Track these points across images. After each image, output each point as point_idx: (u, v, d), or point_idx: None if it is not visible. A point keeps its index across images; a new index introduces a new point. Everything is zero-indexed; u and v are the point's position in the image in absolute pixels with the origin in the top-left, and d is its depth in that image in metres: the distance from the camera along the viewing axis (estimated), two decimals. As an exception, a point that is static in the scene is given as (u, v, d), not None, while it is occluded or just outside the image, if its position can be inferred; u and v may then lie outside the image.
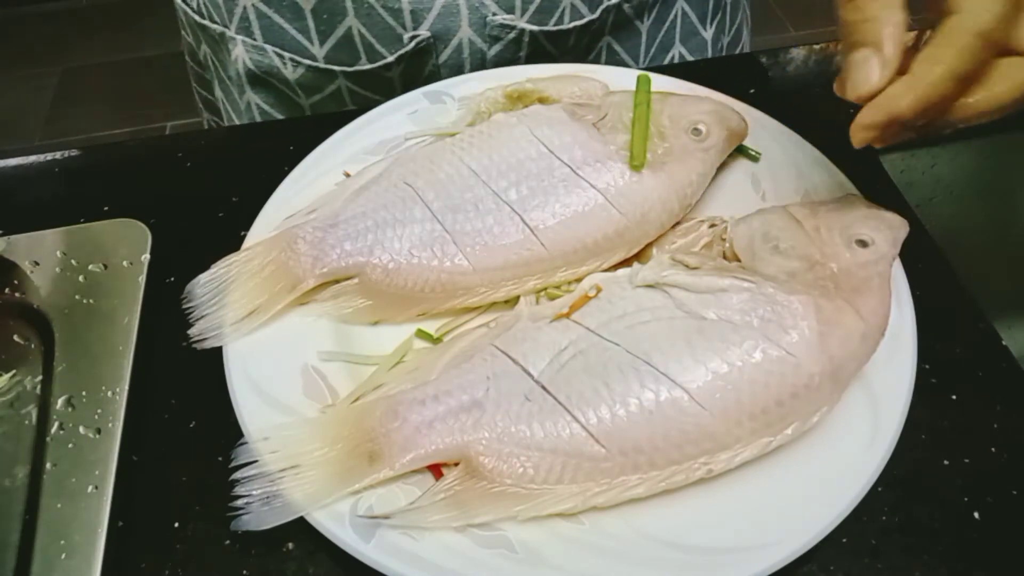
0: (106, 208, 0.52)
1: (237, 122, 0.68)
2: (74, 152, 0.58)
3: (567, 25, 0.59)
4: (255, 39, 0.59)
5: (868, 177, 0.51)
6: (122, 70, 2.07)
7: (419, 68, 0.60)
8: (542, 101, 0.51)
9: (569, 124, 0.47)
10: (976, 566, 0.38)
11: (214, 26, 0.61)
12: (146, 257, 0.47)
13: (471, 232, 0.44)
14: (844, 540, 0.38)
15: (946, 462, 0.41)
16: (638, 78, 0.49)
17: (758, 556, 0.35)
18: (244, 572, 0.38)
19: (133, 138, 0.58)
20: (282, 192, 0.48)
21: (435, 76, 0.56)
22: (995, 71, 0.34)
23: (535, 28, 0.58)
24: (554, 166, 0.45)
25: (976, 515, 0.39)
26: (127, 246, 0.48)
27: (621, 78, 0.52)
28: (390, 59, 0.58)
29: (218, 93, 0.70)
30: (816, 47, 0.61)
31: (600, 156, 0.46)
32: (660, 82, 0.50)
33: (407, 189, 0.45)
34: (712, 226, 0.46)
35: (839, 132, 0.44)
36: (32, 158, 0.57)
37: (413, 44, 0.57)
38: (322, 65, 0.59)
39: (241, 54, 0.60)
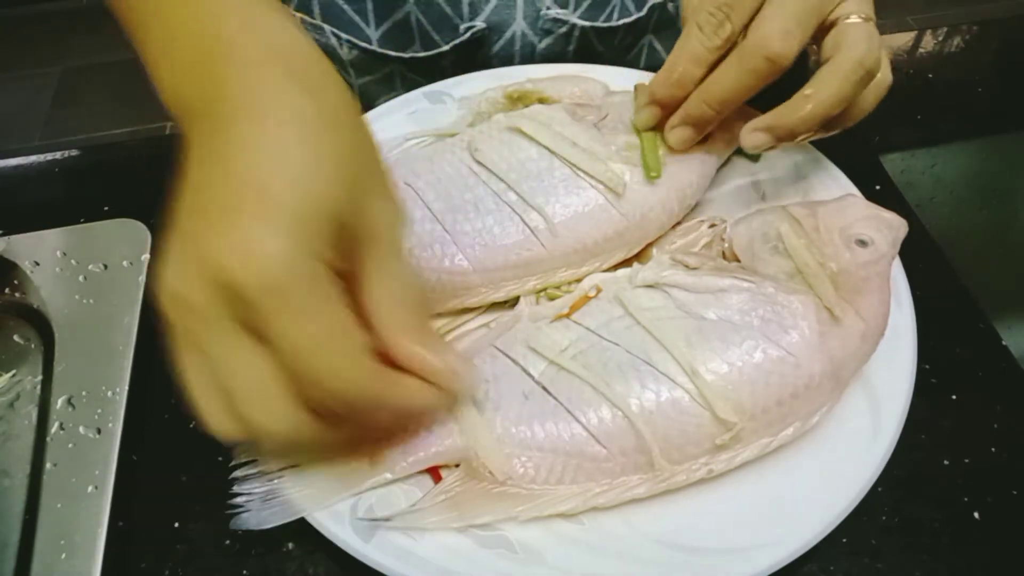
0: (106, 208, 0.52)
1: None
2: (74, 152, 0.57)
3: (616, 22, 0.60)
4: (314, 17, 0.60)
5: (868, 177, 0.51)
6: (122, 70, 2.07)
7: (471, 58, 0.60)
8: (542, 101, 0.50)
9: (569, 125, 0.47)
10: (976, 566, 0.38)
11: None
12: (146, 257, 0.47)
13: (471, 232, 0.44)
14: (844, 540, 0.38)
15: (946, 462, 0.41)
16: (635, 88, 0.49)
17: (758, 556, 0.35)
18: (244, 572, 0.38)
19: (133, 138, 0.58)
20: (282, 192, 0.48)
21: (486, 66, 0.57)
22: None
23: (586, 24, 0.59)
24: (554, 166, 0.45)
25: (976, 515, 0.39)
26: (127, 246, 0.48)
27: (621, 78, 0.52)
28: (444, 48, 0.59)
29: None
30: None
31: (600, 157, 0.46)
32: (660, 82, 0.50)
33: (407, 190, 0.45)
34: (712, 226, 0.46)
35: (839, 132, 0.44)
36: (32, 158, 0.57)
37: (469, 34, 0.58)
38: (377, 49, 0.60)
39: None
